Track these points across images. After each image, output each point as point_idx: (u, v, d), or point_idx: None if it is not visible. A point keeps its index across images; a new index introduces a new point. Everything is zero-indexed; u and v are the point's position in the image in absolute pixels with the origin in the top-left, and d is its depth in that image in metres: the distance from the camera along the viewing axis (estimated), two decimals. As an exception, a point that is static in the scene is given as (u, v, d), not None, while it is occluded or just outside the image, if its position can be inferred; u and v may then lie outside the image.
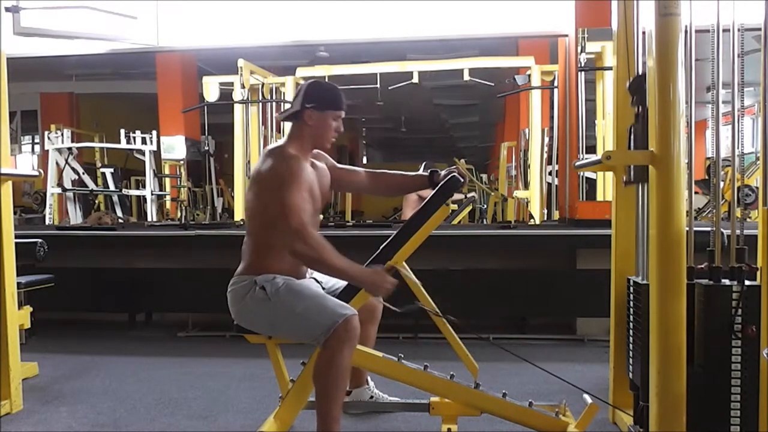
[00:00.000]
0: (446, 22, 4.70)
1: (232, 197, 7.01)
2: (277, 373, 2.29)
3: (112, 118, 8.42)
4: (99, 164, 7.78)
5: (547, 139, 5.72)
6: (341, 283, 2.28)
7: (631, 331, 2.29)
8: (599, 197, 4.66)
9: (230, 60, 5.84)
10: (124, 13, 4.27)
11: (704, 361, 1.99)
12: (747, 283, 2.00)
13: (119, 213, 7.52)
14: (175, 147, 7.16)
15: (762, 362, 1.85)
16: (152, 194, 7.00)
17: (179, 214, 6.62)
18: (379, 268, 2.13)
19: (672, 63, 1.82)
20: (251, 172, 2.61)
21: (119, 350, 3.91)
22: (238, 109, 6.07)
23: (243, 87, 5.89)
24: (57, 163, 7.18)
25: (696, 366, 1.97)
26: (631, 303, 2.28)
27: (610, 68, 3.68)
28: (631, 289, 2.29)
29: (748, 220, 2.41)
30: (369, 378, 2.60)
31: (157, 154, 7.11)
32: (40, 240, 3.43)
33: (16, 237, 2.82)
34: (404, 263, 2.19)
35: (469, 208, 7.30)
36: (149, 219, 6.82)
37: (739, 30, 2.10)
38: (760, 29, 1.85)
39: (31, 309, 3.27)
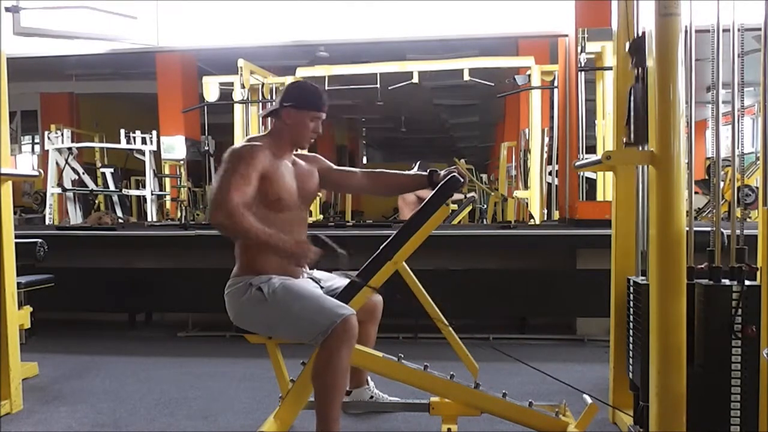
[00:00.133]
0: (446, 22, 4.69)
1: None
2: (277, 373, 2.30)
3: (112, 118, 8.41)
4: (99, 164, 7.78)
5: (547, 139, 5.72)
6: (340, 284, 2.28)
7: (631, 331, 2.29)
8: (599, 197, 4.66)
9: (230, 60, 5.84)
10: (124, 13, 4.27)
11: (704, 361, 1.99)
12: (747, 283, 2.00)
13: (119, 213, 7.51)
14: (175, 147, 7.15)
15: (762, 362, 1.85)
16: (152, 194, 7.00)
17: (179, 214, 6.61)
18: (306, 239, 2.12)
19: (672, 63, 1.82)
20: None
21: (119, 350, 3.91)
22: (238, 109, 6.07)
23: (243, 87, 5.89)
24: (57, 163, 7.18)
25: (696, 366, 1.97)
26: (631, 303, 2.28)
27: (610, 68, 3.68)
28: (631, 289, 2.29)
29: (748, 220, 2.41)
30: (369, 378, 2.60)
31: (157, 154, 7.11)
32: (40, 240, 3.43)
33: (16, 237, 2.82)
34: (404, 263, 2.19)
35: (469, 208, 7.30)
36: (149, 219, 6.82)
37: (739, 30, 2.09)
38: (760, 29, 1.85)
39: (31, 309, 3.27)
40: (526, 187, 6.08)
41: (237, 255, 2.23)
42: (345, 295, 2.18)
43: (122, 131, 6.95)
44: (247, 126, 6.02)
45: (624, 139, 2.11)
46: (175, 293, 4.35)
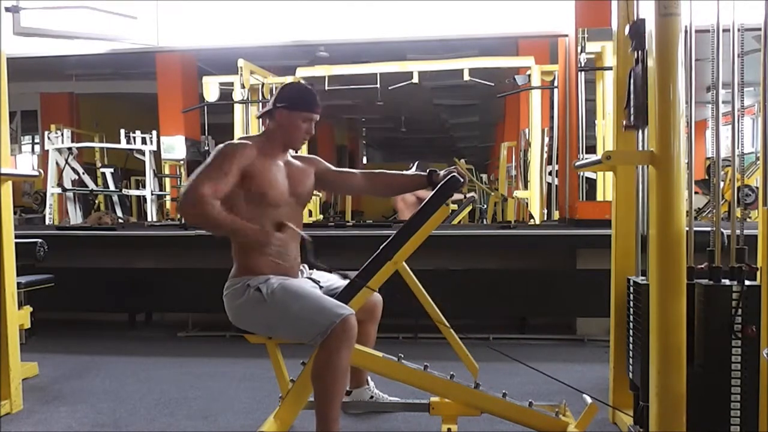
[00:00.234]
0: (446, 22, 4.69)
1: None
2: (277, 373, 2.30)
3: (112, 118, 8.42)
4: (99, 164, 7.79)
5: (547, 139, 5.72)
6: (339, 284, 2.28)
7: (631, 331, 2.29)
8: (599, 197, 4.67)
9: (230, 60, 5.84)
10: (124, 13, 4.27)
11: (704, 361, 1.98)
12: (747, 283, 1.99)
13: (119, 213, 7.52)
14: (175, 147, 7.16)
15: (762, 362, 1.85)
16: (152, 194, 7.00)
17: (179, 215, 6.61)
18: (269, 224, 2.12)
19: (672, 63, 1.82)
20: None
21: (119, 350, 3.90)
22: (238, 109, 6.07)
23: (243, 87, 5.89)
24: (57, 163, 7.18)
25: (696, 366, 1.96)
26: (631, 303, 2.28)
27: (610, 68, 3.68)
28: (631, 289, 2.29)
29: (748, 220, 2.41)
30: (369, 378, 2.60)
31: (157, 154, 7.12)
32: (40, 240, 3.43)
33: (16, 237, 2.82)
34: (404, 263, 2.19)
35: (469, 208, 7.31)
36: (149, 219, 6.83)
37: (739, 30, 2.09)
38: (760, 29, 1.85)
39: (31, 309, 3.27)
40: (526, 187, 6.08)
41: (234, 256, 2.23)
42: (344, 295, 2.18)
43: (122, 131, 6.95)
44: (247, 126, 6.02)
45: (624, 122, 2.12)
46: (175, 293, 4.35)
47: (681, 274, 1.84)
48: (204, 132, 7.24)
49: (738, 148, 2.11)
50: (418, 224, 2.17)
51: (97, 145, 7.81)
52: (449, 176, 2.22)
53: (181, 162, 7.25)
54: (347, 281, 2.23)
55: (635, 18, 2.23)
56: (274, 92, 6.37)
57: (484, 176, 10.90)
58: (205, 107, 6.62)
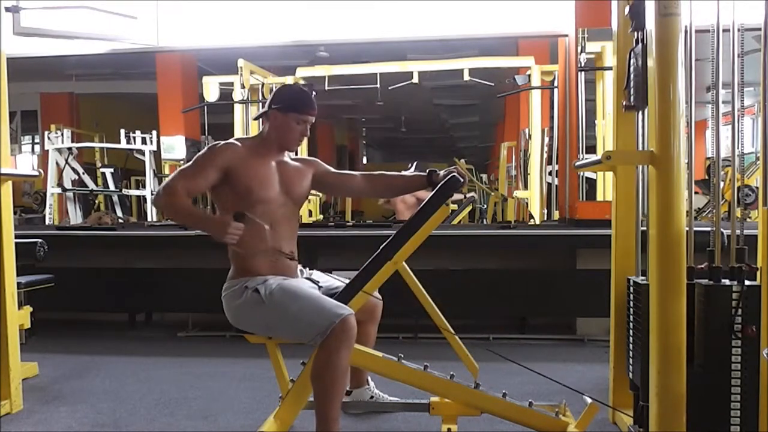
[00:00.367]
0: (446, 22, 4.69)
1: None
2: (277, 373, 2.30)
3: (112, 118, 8.42)
4: (99, 164, 7.78)
5: (547, 139, 5.72)
6: (339, 284, 2.28)
7: (631, 331, 2.29)
8: (599, 197, 4.67)
9: (230, 60, 5.84)
10: (124, 13, 4.27)
11: (704, 361, 1.98)
12: (747, 283, 1.99)
13: (119, 213, 7.52)
14: (175, 147, 7.15)
15: (762, 362, 1.85)
16: (152, 194, 6.99)
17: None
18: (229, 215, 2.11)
19: (672, 63, 1.81)
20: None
21: (119, 350, 3.90)
22: (238, 109, 6.07)
23: (243, 87, 5.89)
24: (57, 163, 7.18)
25: (696, 366, 1.96)
26: (631, 303, 2.28)
27: (610, 68, 3.68)
28: (631, 289, 2.29)
29: (748, 220, 2.41)
30: (369, 378, 2.60)
31: (157, 154, 7.11)
32: (40, 240, 3.43)
33: (16, 237, 2.82)
34: (404, 263, 2.19)
35: (469, 208, 7.31)
36: (149, 219, 6.82)
37: (739, 30, 2.09)
38: (760, 29, 1.85)
39: (31, 309, 3.27)
40: (526, 187, 6.08)
41: (230, 257, 2.23)
42: (344, 295, 2.18)
43: (122, 131, 6.95)
44: (247, 126, 6.02)
45: (624, 102, 2.12)
46: (175, 293, 4.35)
47: (681, 274, 1.84)
48: (204, 132, 7.24)
49: (738, 148, 2.11)
50: (418, 224, 2.17)
51: (97, 145, 7.81)
52: (449, 176, 2.22)
53: (181, 162, 7.23)
54: (347, 281, 2.23)
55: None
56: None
57: (484, 176, 10.90)
58: (205, 107, 6.62)
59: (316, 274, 2.38)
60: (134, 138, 6.92)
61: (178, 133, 7.20)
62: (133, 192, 7.94)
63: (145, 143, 6.90)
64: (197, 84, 6.86)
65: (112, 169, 7.67)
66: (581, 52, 4.36)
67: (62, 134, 7.19)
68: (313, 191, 2.53)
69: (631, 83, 2.03)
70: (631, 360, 2.27)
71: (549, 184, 5.70)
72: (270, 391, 2.79)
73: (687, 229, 1.97)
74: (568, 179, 4.78)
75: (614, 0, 2.41)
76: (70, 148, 7.27)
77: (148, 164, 6.97)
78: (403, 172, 2.57)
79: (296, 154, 2.57)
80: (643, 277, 2.12)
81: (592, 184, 4.87)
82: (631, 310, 2.28)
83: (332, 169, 2.48)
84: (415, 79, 5.81)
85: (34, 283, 3.40)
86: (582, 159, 3.98)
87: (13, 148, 9.70)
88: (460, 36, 4.99)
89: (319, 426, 2.04)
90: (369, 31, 4.82)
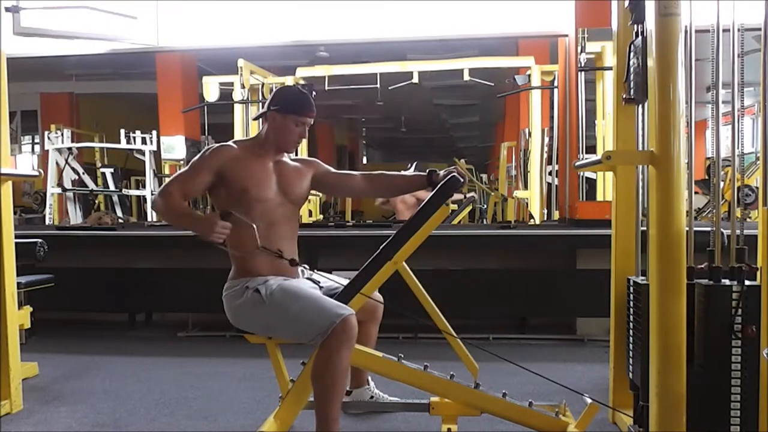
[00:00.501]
0: (446, 22, 4.69)
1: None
2: (277, 373, 2.30)
3: (112, 118, 8.41)
4: (99, 164, 7.78)
5: (547, 139, 5.72)
6: (339, 284, 2.28)
7: (631, 331, 2.29)
8: (599, 197, 4.66)
9: (230, 60, 5.84)
10: (124, 13, 4.27)
11: (704, 361, 1.99)
12: (747, 283, 2.00)
13: (119, 213, 7.51)
14: (175, 147, 7.15)
15: (762, 362, 1.85)
16: (152, 194, 6.99)
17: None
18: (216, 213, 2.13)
19: (672, 63, 1.81)
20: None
21: (119, 350, 3.91)
22: (238, 109, 6.07)
23: (243, 87, 5.89)
24: (57, 163, 7.17)
25: (696, 366, 1.96)
26: (631, 303, 2.28)
27: (610, 68, 3.67)
28: (631, 289, 2.29)
29: (748, 220, 2.41)
30: (369, 378, 2.60)
31: (157, 154, 7.11)
32: (40, 240, 3.43)
33: (16, 237, 2.82)
34: (404, 263, 2.19)
35: (469, 208, 7.30)
36: (149, 219, 6.81)
37: (739, 30, 2.09)
38: (760, 29, 1.85)
39: (31, 309, 3.27)
40: (526, 187, 6.08)
41: (232, 258, 2.24)
42: (344, 295, 2.18)
43: (122, 131, 6.95)
44: (247, 126, 6.02)
45: (623, 95, 2.12)
46: (175, 293, 4.36)
47: (681, 274, 1.84)
48: (204, 132, 7.24)
49: (738, 148, 2.11)
50: (418, 224, 2.17)
51: (97, 145, 7.80)
52: (449, 176, 2.22)
53: (181, 162, 7.22)
54: (347, 281, 2.23)
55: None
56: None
57: (484, 176, 10.90)
58: (205, 107, 6.62)
59: (317, 274, 2.38)
60: (134, 138, 6.91)
61: (178, 133, 7.19)
62: (133, 192, 7.93)
63: (145, 143, 6.89)
64: (197, 84, 6.86)
65: (112, 169, 7.66)
66: (581, 52, 4.36)
67: (62, 134, 7.18)
68: (313, 191, 2.53)
69: (631, 77, 2.03)
70: (631, 360, 2.27)
71: (549, 184, 5.70)
72: (270, 391, 2.79)
73: (687, 229, 1.97)
74: (568, 179, 4.78)
75: (614, 0, 2.41)
76: (70, 148, 7.26)
77: (148, 164, 6.96)
78: (403, 172, 2.57)
79: (296, 155, 2.57)
80: (643, 277, 2.12)
81: (592, 184, 4.87)
82: (631, 310, 2.28)
83: (332, 170, 2.48)
84: (415, 79, 5.81)
85: (34, 283, 3.40)
86: (582, 159, 3.98)
87: (13, 148, 9.70)
88: (460, 36, 4.99)
89: (319, 426, 2.04)
90: (369, 31, 4.82)
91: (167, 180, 2.26)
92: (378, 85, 5.80)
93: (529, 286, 4.09)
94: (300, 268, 2.32)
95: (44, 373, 3.31)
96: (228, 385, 3.11)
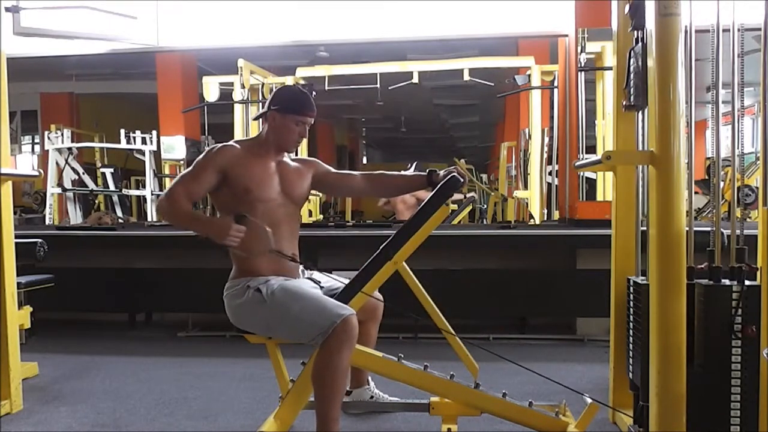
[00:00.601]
0: (446, 22, 4.69)
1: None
2: (277, 373, 2.30)
3: (112, 118, 8.42)
4: (99, 164, 7.78)
5: (547, 139, 5.72)
6: (340, 284, 2.28)
7: (631, 331, 2.29)
8: (599, 197, 4.67)
9: (230, 60, 5.84)
10: (124, 13, 4.27)
11: (704, 361, 1.99)
12: (747, 283, 2.00)
13: (119, 213, 7.52)
14: (175, 147, 7.15)
15: (762, 362, 1.85)
16: (152, 194, 6.99)
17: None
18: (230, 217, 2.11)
19: (672, 63, 1.81)
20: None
21: (119, 350, 3.91)
22: (238, 109, 6.07)
23: (243, 87, 5.89)
24: (57, 163, 7.18)
25: (696, 366, 1.97)
26: (631, 303, 2.28)
27: (610, 68, 3.68)
28: (631, 289, 2.29)
29: (748, 220, 2.41)
30: (369, 378, 2.60)
31: (157, 154, 7.11)
32: (40, 240, 3.43)
33: (16, 237, 2.82)
34: (404, 263, 2.19)
35: (469, 208, 7.30)
36: (149, 219, 6.82)
37: (739, 30, 2.09)
38: (760, 29, 1.85)
39: (31, 309, 3.27)
40: (526, 187, 6.08)
41: (233, 258, 2.24)
42: (345, 295, 2.18)
43: (122, 131, 6.95)
44: (247, 126, 6.02)
45: (624, 102, 2.12)
46: (175, 293, 4.35)
47: (681, 274, 1.84)
48: (204, 132, 7.24)
49: (738, 148, 2.11)
50: (418, 224, 2.17)
51: (97, 145, 7.81)
52: (449, 176, 2.22)
53: (181, 162, 7.23)
54: (348, 281, 2.23)
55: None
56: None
57: (484, 176, 10.90)
58: (205, 107, 6.62)
59: (317, 274, 2.38)
60: (134, 138, 6.92)
61: (178, 133, 7.19)
62: (133, 192, 7.93)
63: (145, 143, 6.90)
64: (197, 84, 6.86)
65: (112, 169, 7.66)
66: (581, 52, 4.36)
67: (62, 134, 7.19)
68: (313, 191, 2.53)
69: (631, 83, 2.03)
70: (631, 360, 2.27)
71: (549, 184, 5.70)
72: (270, 391, 2.79)
73: (687, 229, 1.97)
74: (568, 179, 4.78)
75: (614, 0, 2.41)
76: (70, 148, 7.26)
77: (148, 164, 6.96)
78: (403, 172, 2.57)
79: (296, 154, 2.57)
80: (643, 277, 2.12)
81: (592, 184, 4.87)
82: (631, 310, 2.28)
83: (332, 170, 2.48)
84: (415, 79, 5.81)
85: (34, 283, 3.40)
86: (582, 159, 3.98)
87: (13, 148, 9.70)
88: (460, 36, 4.99)
89: (319, 426, 2.04)
90: (369, 31, 4.82)
91: (171, 182, 2.24)
92: (378, 85, 5.80)
93: (529, 286, 4.08)
94: (300, 268, 2.33)
95: (44, 373, 3.31)
96: (228, 385, 3.11)
